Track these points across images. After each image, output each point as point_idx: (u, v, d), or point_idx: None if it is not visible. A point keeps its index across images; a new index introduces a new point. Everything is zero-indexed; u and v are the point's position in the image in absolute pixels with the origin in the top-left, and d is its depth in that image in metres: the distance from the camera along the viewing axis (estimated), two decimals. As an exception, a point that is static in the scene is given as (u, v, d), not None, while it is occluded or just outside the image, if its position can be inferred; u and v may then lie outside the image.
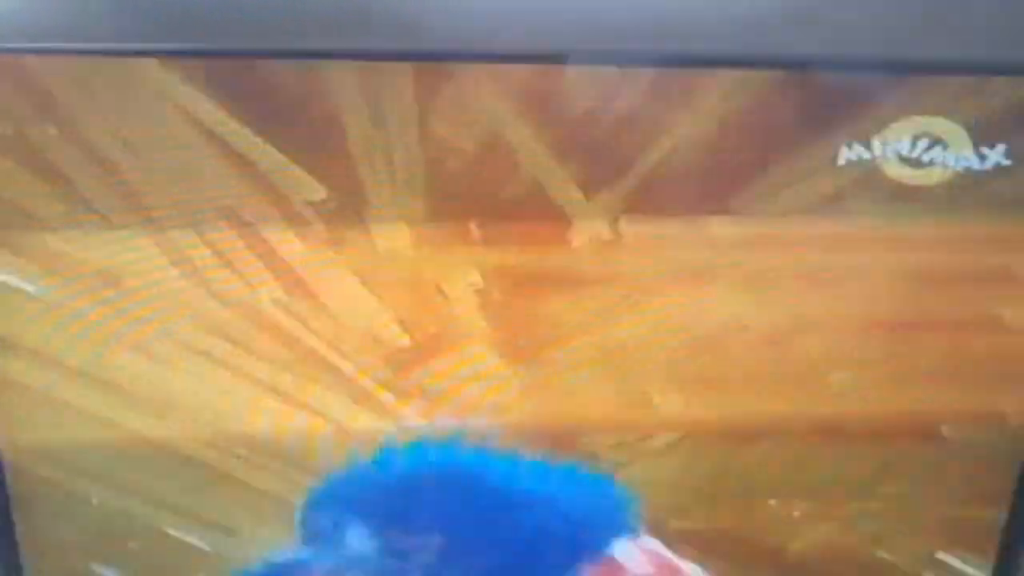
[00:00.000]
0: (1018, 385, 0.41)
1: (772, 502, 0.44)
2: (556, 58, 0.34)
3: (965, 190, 0.36)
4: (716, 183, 0.37)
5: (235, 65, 0.35)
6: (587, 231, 0.38)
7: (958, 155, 0.35)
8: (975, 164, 0.36)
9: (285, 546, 0.45)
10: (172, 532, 0.45)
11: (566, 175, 0.37)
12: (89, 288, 0.39)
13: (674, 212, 0.37)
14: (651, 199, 0.37)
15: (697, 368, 0.41)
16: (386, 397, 0.41)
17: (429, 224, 0.38)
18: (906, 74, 0.35)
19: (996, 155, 0.35)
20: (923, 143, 0.35)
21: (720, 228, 0.38)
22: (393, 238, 0.38)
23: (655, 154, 0.36)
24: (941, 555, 0.45)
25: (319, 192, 0.37)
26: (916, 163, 0.36)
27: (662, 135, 0.36)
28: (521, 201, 0.37)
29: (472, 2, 0.34)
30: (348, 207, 0.37)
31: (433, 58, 0.34)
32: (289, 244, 0.38)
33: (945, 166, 0.36)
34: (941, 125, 0.35)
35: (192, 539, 0.45)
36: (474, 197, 0.37)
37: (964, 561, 0.45)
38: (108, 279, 0.39)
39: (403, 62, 0.34)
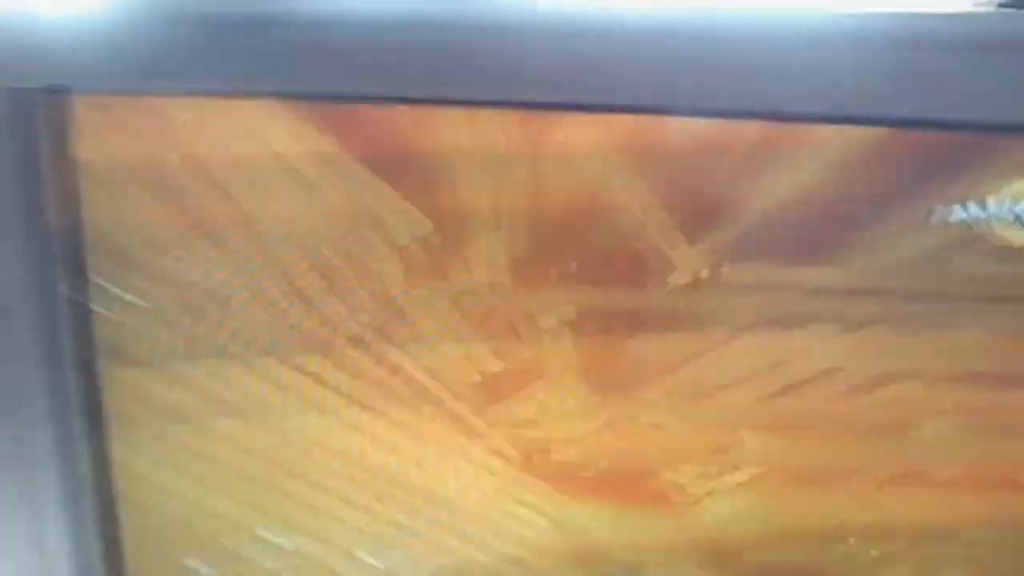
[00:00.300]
0: None
1: (851, 540, 0.44)
2: (661, 109, 0.35)
3: None
4: (816, 237, 0.37)
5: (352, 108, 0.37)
6: (688, 275, 0.39)
7: None
8: None
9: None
10: (264, 535, 0.47)
11: (671, 222, 0.38)
12: (200, 305, 0.42)
13: (773, 261, 0.38)
14: (752, 248, 0.38)
15: (784, 411, 0.41)
16: (475, 422, 0.42)
17: (529, 262, 0.39)
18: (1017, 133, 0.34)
19: None
20: None
21: (818, 278, 0.38)
22: (494, 273, 0.39)
23: (758, 204, 0.37)
24: None
25: (426, 226, 0.39)
26: (1020, 227, 0.35)
27: (766, 187, 0.37)
28: (623, 243, 0.38)
29: (580, 52, 0.34)
30: (452, 242, 0.39)
31: (539, 107, 0.35)
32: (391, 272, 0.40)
33: None
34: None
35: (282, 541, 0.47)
36: (575, 238, 0.38)
37: None
38: (218, 298, 0.41)
39: (509, 109, 0.35)
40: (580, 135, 0.37)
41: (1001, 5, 0.36)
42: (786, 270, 0.38)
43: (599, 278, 0.40)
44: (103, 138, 0.40)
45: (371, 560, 0.47)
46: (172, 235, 0.41)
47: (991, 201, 0.35)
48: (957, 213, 0.35)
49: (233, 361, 0.43)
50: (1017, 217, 0.35)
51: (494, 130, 0.37)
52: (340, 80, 0.36)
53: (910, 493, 0.42)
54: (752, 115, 0.35)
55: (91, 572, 0.48)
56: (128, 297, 0.42)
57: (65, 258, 0.42)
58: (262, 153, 0.39)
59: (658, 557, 0.45)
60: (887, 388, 0.40)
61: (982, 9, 0.36)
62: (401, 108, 0.37)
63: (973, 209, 0.35)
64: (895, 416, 0.40)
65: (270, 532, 0.48)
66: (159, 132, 0.39)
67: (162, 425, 0.45)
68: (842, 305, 0.38)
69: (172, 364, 0.44)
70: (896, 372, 0.39)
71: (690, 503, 0.43)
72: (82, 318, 0.43)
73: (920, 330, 0.39)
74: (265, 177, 0.39)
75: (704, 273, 0.38)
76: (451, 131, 0.37)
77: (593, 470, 0.44)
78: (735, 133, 0.36)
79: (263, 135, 0.38)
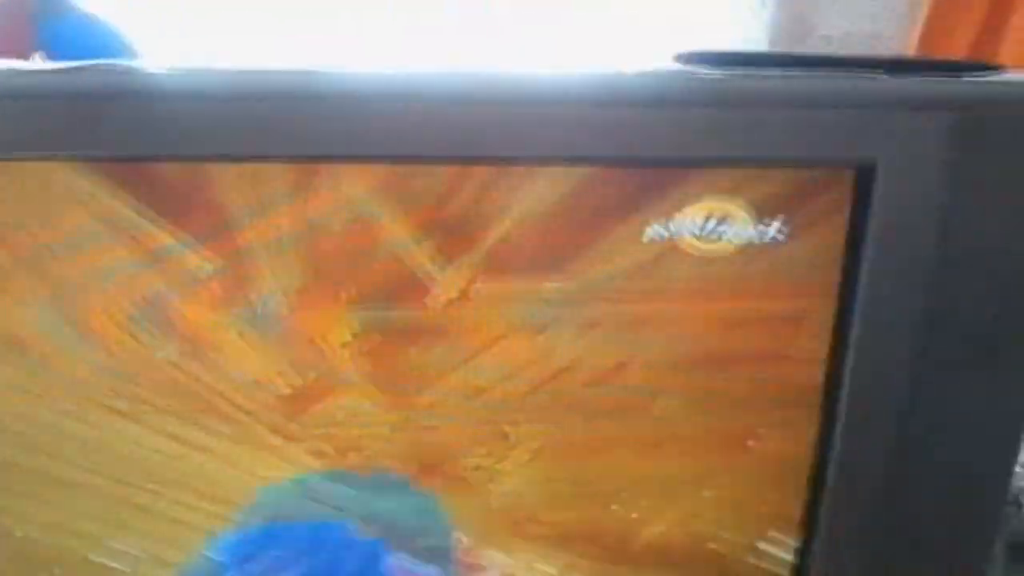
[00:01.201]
0: (804, 407, 0.48)
1: (614, 507, 0.50)
2: (413, 158, 0.41)
3: (752, 257, 0.43)
4: (549, 254, 0.43)
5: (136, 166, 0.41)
6: (443, 295, 0.44)
7: (744, 229, 0.43)
8: (759, 236, 0.43)
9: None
10: (93, 558, 0.50)
11: (428, 248, 0.43)
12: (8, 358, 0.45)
13: (517, 276, 0.44)
14: (495, 268, 0.43)
15: (541, 402, 0.47)
16: (274, 439, 0.47)
17: (305, 292, 0.44)
18: (699, 166, 0.41)
19: (772, 230, 0.43)
20: (714, 220, 0.42)
21: (554, 290, 0.44)
22: (275, 304, 0.44)
23: (497, 232, 0.43)
24: (762, 544, 0.51)
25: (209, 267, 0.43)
26: (710, 238, 0.43)
27: (502, 218, 0.42)
28: (392, 268, 0.43)
29: (336, 114, 0.40)
30: (234, 279, 0.43)
31: (305, 160, 0.40)
32: (183, 311, 0.44)
33: (731, 240, 0.43)
34: (727, 205, 0.42)
35: (115, 564, 0.50)
36: (345, 269, 0.43)
37: (778, 546, 0.52)
38: (23, 350, 0.45)
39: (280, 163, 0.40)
40: (347, 180, 0.42)
41: (679, 59, 0.44)
42: (528, 283, 0.44)
43: (375, 298, 0.44)
44: None
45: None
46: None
47: (675, 220, 0.42)
48: (656, 231, 0.43)
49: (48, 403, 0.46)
50: (698, 233, 0.43)
51: (273, 180, 0.41)
52: (128, 142, 0.40)
53: (655, 461, 0.49)
54: (485, 160, 0.41)
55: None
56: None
57: None
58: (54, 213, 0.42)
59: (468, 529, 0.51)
60: (623, 375, 0.46)
61: (664, 67, 0.43)
62: (185, 165, 0.41)
63: (667, 228, 0.42)
64: (633, 396, 0.47)
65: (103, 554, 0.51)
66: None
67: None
68: (578, 309, 0.44)
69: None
70: (628, 361, 0.46)
71: (485, 482, 0.49)
72: None
73: (644, 325, 0.45)
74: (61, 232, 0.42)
75: (460, 290, 0.44)
76: (235, 182, 0.41)
77: (398, 460, 0.49)
78: (475, 173, 0.42)
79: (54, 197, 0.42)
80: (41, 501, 0.49)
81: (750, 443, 0.49)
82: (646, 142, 0.41)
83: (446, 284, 0.44)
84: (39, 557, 0.51)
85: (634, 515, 0.51)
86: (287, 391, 0.46)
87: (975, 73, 0.43)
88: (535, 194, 0.42)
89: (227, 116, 0.40)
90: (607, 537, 0.51)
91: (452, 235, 0.43)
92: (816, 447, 0.48)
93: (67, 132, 0.40)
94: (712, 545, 0.52)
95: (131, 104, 0.39)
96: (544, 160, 0.41)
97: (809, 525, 0.51)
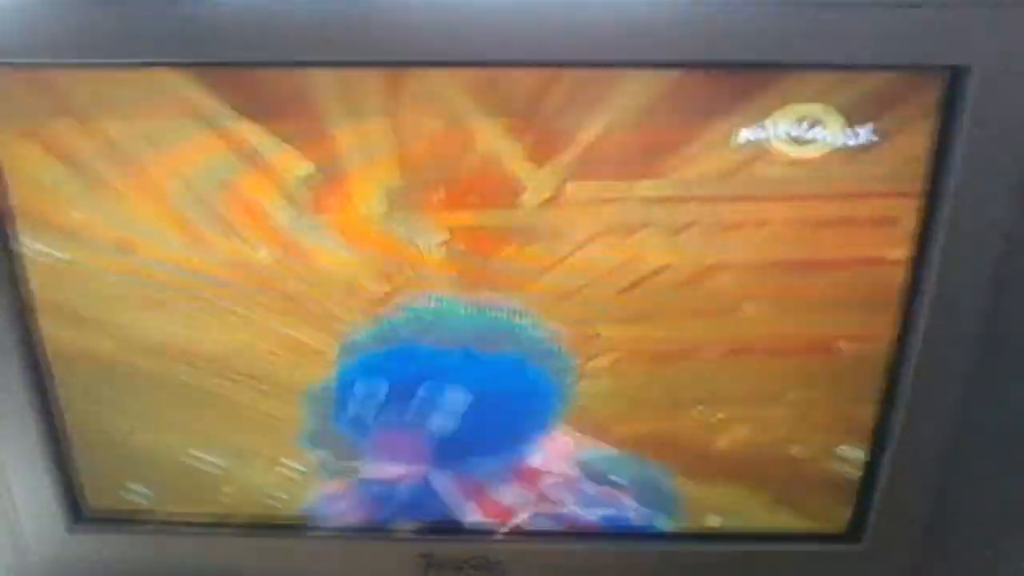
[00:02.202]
0: (887, 312, 0.48)
1: (698, 408, 0.52)
2: (502, 62, 0.42)
3: (842, 161, 0.44)
4: (641, 156, 0.44)
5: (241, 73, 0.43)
6: (536, 196, 0.46)
7: (835, 134, 0.43)
8: (850, 140, 0.43)
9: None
10: (193, 452, 0.54)
11: (516, 152, 0.44)
12: (109, 254, 0.48)
13: (608, 178, 0.45)
14: (587, 169, 0.45)
15: (631, 303, 0.48)
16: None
17: (400, 194, 0.46)
18: (789, 70, 0.42)
19: (864, 134, 0.43)
20: (805, 124, 0.43)
21: (646, 190, 0.45)
22: (371, 204, 0.46)
23: (591, 133, 0.44)
24: (845, 449, 0.52)
25: (308, 168, 0.45)
26: (801, 141, 0.43)
27: (596, 118, 0.43)
28: (482, 171, 0.45)
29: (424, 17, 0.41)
30: (333, 179, 0.46)
31: (397, 65, 0.42)
32: (283, 211, 0.46)
33: (822, 144, 0.43)
34: (819, 110, 0.43)
35: (213, 459, 0.54)
36: (441, 169, 0.45)
37: (856, 452, 0.53)
38: (124, 246, 0.48)
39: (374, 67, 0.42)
40: (440, 83, 0.43)
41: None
42: (620, 184, 0.45)
43: (465, 203, 0.46)
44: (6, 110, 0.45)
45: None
46: (78, 193, 0.46)
47: (767, 124, 0.43)
48: (748, 134, 0.43)
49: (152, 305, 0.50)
50: (789, 137, 0.43)
51: (363, 85, 0.43)
52: (228, 48, 0.42)
53: (741, 365, 0.50)
54: (576, 63, 0.42)
55: (50, 505, 0.55)
56: (48, 251, 0.48)
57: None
58: (156, 114, 0.44)
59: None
60: (712, 278, 0.47)
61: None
62: (280, 70, 0.43)
63: (758, 131, 0.43)
64: (721, 301, 0.48)
65: (200, 452, 0.55)
66: (58, 101, 0.44)
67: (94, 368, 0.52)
68: (669, 211, 0.45)
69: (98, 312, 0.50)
70: (717, 264, 0.47)
71: (568, 385, 0.51)
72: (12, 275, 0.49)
73: (735, 228, 0.46)
74: (160, 135, 0.45)
75: (554, 189, 0.45)
76: (325, 87, 0.43)
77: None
78: (566, 76, 0.43)
79: (155, 100, 0.44)
80: (147, 400, 0.53)
81: (837, 345, 0.49)
82: (735, 45, 0.41)
83: (539, 185, 0.45)
84: (141, 455, 0.55)
85: (719, 416, 0.52)
86: (381, 292, 0.49)
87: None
88: (627, 96, 0.43)
89: (323, 22, 0.41)
90: (690, 439, 0.53)
91: (545, 136, 0.44)
92: (896, 353, 0.49)
93: (168, 40, 0.42)
94: (793, 449, 0.53)
95: (229, 11, 0.41)
96: (634, 63, 0.42)
97: (883, 433, 0.52)
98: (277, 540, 0.57)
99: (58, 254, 0.48)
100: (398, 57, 0.42)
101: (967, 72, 0.41)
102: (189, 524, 0.57)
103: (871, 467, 0.52)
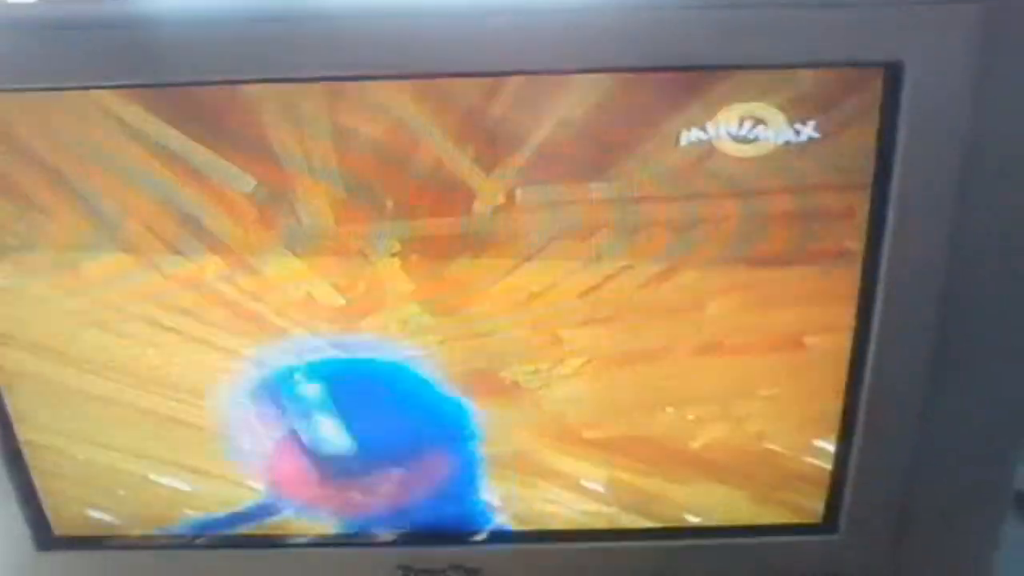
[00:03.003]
0: (847, 304, 0.49)
1: (669, 410, 0.52)
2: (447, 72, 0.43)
3: (788, 157, 0.45)
4: (590, 159, 0.45)
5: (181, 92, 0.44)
6: (489, 201, 0.46)
7: (778, 131, 0.44)
8: (792, 138, 0.44)
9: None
10: (153, 477, 0.55)
11: (467, 157, 0.45)
12: (61, 283, 0.49)
13: (559, 182, 0.46)
14: (538, 173, 0.45)
15: (594, 307, 0.48)
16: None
17: (350, 205, 0.46)
18: (728, 69, 0.43)
19: (807, 130, 0.44)
20: (748, 123, 0.44)
21: (598, 194, 0.46)
22: (318, 217, 0.47)
23: (537, 138, 0.44)
24: (817, 442, 0.53)
25: (250, 183, 0.46)
26: (745, 140, 0.44)
27: (543, 123, 0.44)
28: (431, 180, 0.46)
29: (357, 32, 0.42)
30: (276, 195, 0.46)
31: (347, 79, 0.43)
32: (229, 229, 0.47)
33: (767, 141, 0.44)
34: (762, 108, 0.44)
35: (173, 482, 0.55)
36: (389, 180, 0.46)
37: (828, 442, 0.53)
38: (78, 275, 0.48)
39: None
40: (384, 94, 0.43)
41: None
42: (572, 187, 0.45)
43: (415, 212, 0.46)
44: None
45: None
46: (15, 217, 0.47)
47: (711, 124, 0.44)
48: (694, 134, 0.44)
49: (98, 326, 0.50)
50: (732, 136, 0.44)
51: (307, 100, 0.44)
52: (173, 70, 0.42)
53: (710, 363, 0.51)
54: (517, 73, 0.43)
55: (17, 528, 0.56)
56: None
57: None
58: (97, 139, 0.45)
59: (516, 444, 0.54)
60: (673, 277, 0.48)
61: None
62: (223, 89, 0.44)
63: (702, 132, 0.44)
64: (685, 299, 0.48)
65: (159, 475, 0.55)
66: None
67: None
68: (621, 213, 0.46)
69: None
70: (677, 263, 0.47)
71: (534, 391, 0.52)
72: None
73: (689, 226, 0.47)
74: (99, 157, 0.45)
75: (503, 198, 0.46)
76: (270, 104, 0.44)
77: (450, 373, 0.51)
78: (510, 83, 0.43)
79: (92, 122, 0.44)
80: (98, 423, 0.54)
81: (802, 339, 0.50)
82: (674, 47, 0.42)
83: (491, 190, 0.46)
84: (102, 480, 0.56)
85: (690, 416, 0.53)
86: (338, 304, 0.49)
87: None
88: (571, 101, 0.44)
89: (260, 39, 0.42)
90: (664, 440, 0.53)
91: (493, 142, 0.45)
92: (857, 345, 0.50)
93: (105, 61, 0.43)
94: (765, 445, 0.53)
95: (164, 31, 0.42)
96: (576, 70, 0.43)
97: (851, 424, 0.52)
98: (249, 552, 0.57)
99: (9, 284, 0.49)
100: (334, 72, 0.43)
101: (900, 68, 0.42)
102: (158, 541, 0.57)
103: (842, 458, 0.53)
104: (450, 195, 0.46)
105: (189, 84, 0.43)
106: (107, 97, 0.44)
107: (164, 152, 0.45)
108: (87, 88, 0.43)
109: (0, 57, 0.42)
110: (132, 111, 0.44)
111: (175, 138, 0.45)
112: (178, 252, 0.48)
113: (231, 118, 0.44)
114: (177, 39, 0.42)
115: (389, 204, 0.46)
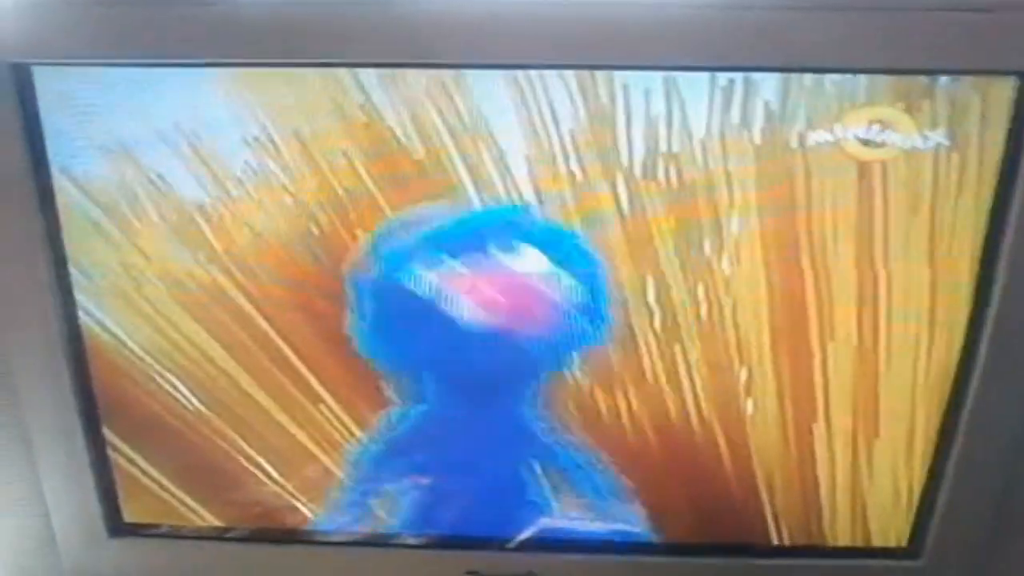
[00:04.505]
0: (953, 322, 0.48)
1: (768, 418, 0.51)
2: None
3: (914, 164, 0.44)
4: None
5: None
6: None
7: (905, 136, 0.43)
8: (920, 144, 0.43)
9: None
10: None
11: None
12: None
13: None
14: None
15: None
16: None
17: None
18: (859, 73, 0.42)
19: (937, 137, 0.43)
20: (875, 128, 0.43)
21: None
22: None
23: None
24: (910, 463, 0.52)
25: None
26: (871, 143, 0.43)
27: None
28: None
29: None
30: None
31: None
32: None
33: (895, 145, 0.43)
34: (889, 113, 0.43)
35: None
36: None
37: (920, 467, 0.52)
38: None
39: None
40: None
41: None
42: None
43: None
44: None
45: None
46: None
47: (837, 127, 0.43)
48: (820, 135, 0.43)
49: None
50: (857, 138, 0.43)
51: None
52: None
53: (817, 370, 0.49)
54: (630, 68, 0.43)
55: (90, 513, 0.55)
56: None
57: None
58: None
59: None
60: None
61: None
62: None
63: (830, 133, 0.43)
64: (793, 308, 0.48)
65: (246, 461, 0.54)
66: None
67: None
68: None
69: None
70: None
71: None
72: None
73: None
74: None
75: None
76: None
77: None
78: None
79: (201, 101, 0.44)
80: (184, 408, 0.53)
81: (908, 356, 0.49)
82: (806, 50, 0.41)
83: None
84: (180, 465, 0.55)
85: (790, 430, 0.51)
86: None
87: None
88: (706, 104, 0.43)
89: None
90: (759, 450, 0.52)
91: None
92: (960, 365, 0.49)
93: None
94: (857, 466, 0.52)
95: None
96: (700, 68, 0.42)
97: (944, 449, 0.51)
98: (315, 550, 0.57)
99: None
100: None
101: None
102: (229, 533, 0.57)
103: (933, 482, 0.52)
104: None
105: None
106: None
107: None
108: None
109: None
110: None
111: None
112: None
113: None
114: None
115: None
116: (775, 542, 0.55)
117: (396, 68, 0.43)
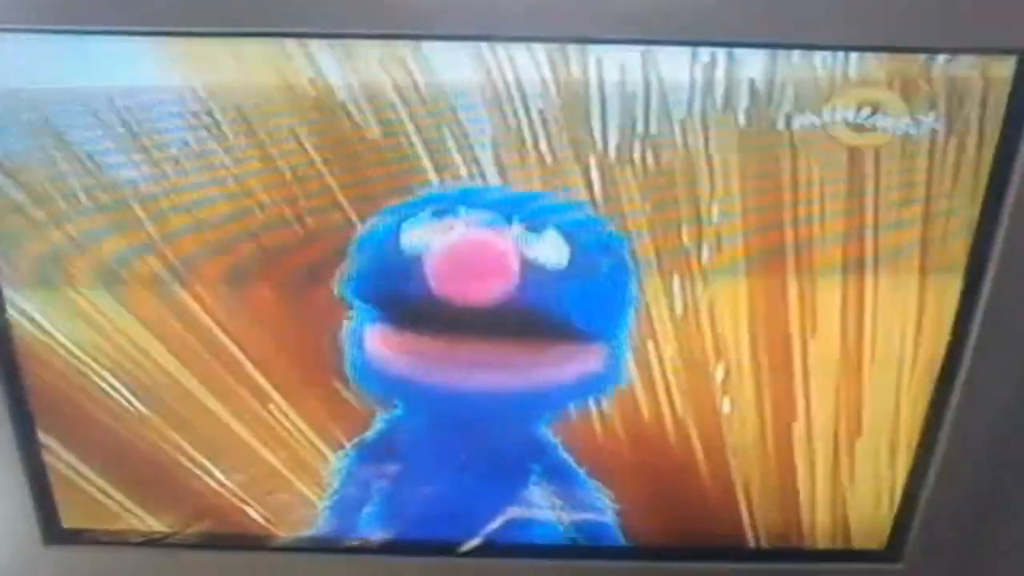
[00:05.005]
0: (940, 321, 0.46)
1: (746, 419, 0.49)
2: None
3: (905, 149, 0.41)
4: None
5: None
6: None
7: (897, 120, 0.41)
8: (912, 129, 0.41)
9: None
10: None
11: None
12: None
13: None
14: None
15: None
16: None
17: None
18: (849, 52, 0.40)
19: (928, 122, 0.41)
20: (865, 111, 0.40)
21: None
22: None
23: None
24: (891, 463, 0.50)
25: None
26: (860, 128, 0.41)
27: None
28: None
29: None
30: None
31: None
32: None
33: (886, 130, 0.41)
34: (879, 96, 0.40)
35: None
36: None
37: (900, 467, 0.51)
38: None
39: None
40: None
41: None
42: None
43: None
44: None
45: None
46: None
47: (825, 111, 0.41)
48: (803, 120, 0.41)
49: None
50: (846, 122, 0.41)
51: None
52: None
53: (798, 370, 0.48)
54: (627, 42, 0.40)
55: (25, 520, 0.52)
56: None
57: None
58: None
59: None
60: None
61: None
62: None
63: (817, 117, 0.41)
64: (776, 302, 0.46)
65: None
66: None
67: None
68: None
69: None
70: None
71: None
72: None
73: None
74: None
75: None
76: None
77: None
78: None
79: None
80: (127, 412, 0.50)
81: (890, 355, 0.47)
82: (796, 28, 0.39)
83: None
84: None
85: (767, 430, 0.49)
86: None
87: None
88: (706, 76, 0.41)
89: None
90: (735, 451, 0.50)
91: None
92: (945, 365, 0.47)
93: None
94: (837, 465, 0.51)
95: None
96: (683, 43, 0.40)
97: (927, 450, 0.50)
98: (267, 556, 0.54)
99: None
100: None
101: (1033, 57, 0.39)
102: (175, 538, 0.54)
103: (914, 483, 0.51)
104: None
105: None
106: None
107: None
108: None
109: None
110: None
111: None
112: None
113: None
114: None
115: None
116: (752, 545, 0.53)
117: (349, 39, 0.40)
